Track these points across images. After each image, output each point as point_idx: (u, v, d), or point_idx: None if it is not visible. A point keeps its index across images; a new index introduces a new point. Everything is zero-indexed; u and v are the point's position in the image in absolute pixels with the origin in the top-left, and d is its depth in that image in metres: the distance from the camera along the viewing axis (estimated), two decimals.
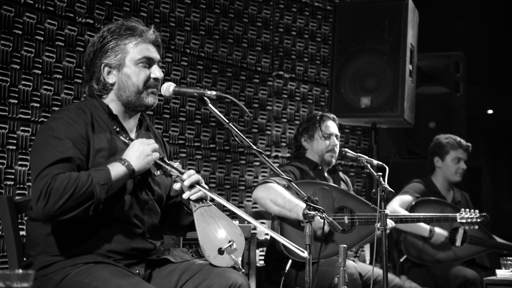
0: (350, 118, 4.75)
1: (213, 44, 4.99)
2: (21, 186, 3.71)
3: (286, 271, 3.68)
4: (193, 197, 2.46)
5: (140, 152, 2.36)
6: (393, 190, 3.15)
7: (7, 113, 3.68)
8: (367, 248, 4.88)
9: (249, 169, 5.21)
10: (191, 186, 2.46)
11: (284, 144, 5.46)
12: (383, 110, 4.56)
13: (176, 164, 2.52)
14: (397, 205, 4.55)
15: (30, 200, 2.30)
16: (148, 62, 2.53)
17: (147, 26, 2.60)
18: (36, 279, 2.31)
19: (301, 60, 5.62)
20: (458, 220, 4.28)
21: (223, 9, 5.08)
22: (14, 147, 3.70)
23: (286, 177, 2.47)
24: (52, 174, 2.25)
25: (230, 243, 2.42)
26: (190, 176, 2.47)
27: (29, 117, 3.79)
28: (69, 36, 4.04)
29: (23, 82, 3.77)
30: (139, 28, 2.54)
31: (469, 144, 4.85)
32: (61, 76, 3.98)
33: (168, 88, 2.51)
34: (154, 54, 2.56)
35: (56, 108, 3.90)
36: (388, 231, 3.26)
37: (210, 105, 2.46)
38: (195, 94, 2.46)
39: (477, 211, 4.30)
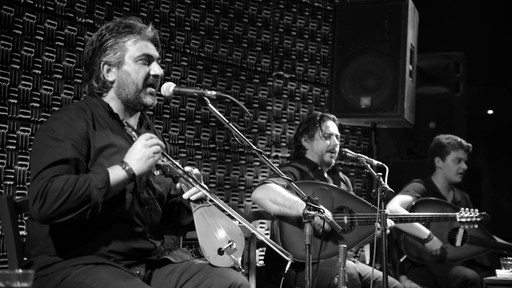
0: (350, 118, 4.75)
1: (213, 44, 4.99)
2: (21, 186, 3.71)
3: (285, 271, 3.67)
4: (193, 198, 2.46)
5: (142, 154, 2.32)
6: (393, 190, 3.15)
7: (7, 113, 3.68)
8: (367, 248, 4.88)
9: (249, 169, 5.21)
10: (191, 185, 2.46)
11: (284, 144, 5.46)
12: (383, 110, 4.56)
13: (177, 163, 2.51)
14: (397, 205, 4.55)
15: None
16: (148, 59, 2.53)
17: (146, 24, 2.59)
18: (36, 279, 2.31)
19: (301, 60, 5.62)
20: (458, 220, 4.28)
21: (223, 9, 5.08)
22: (14, 147, 3.70)
23: (286, 177, 2.47)
24: (49, 176, 2.24)
25: (230, 243, 2.41)
26: (196, 193, 2.46)
27: (29, 117, 3.79)
28: (69, 36, 4.04)
29: (23, 82, 3.77)
30: (138, 26, 2.54)
31: (469, 144, 4.85)
32: (61, 76, 3.98)
33: (168, 88, 2.51)
34: (153, 51, 2.56)
35: (56, 108, 3.90)
36: (388, 231, 3.26)
37: (210, 105, 2.45)
38: (195, 94, 2.46)
39: (476, 210, 4.30)
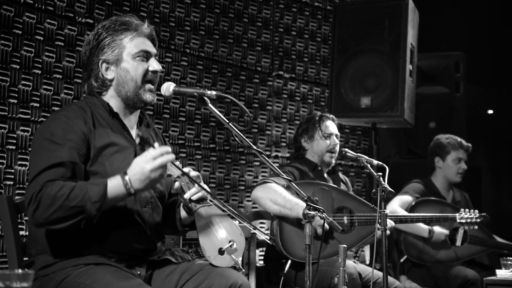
0: (350, 118, 4.75)
1: (213, 44, 4.99)
2: (21, 186, 3.71)
3: (285, 271, 3.68)
4: (193, 198, 2.46)
5: (146, 177, 2.21)
6: (393, 190, 3.14)
7: (7, 113, 3.68)
8: (367, 248, 4.88)
9: (249, 169, 5.21)
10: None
11: (284, 144, 5.46)
12: (383, 110, 4.56)
13: (177, 163, 2.51)
14: (397, 205, 4.54)
15: None
16: (146, 55, 2.53)
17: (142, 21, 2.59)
18: (37, 278, 2.31)
19: (301, 60, 5.62)
20: (458, 220, 4.28)
21: (223, 9, 5.08)
22: (14, 147, 3.70)
23: (286, 177, 2.47)
24: (45, 180, 2.22)
25: (231, 243, 2.41)
26: (197, 193, 2.45)
27: (29, 117, 3.78)
28: (69, 36, 4.04)
29: (23, 82, 3.76)
30: (134, 23, 2.53)
31: (469, 144, 4.85)
32: (61, 76, 3.97)
33: (168, 88, 2.50)
34: (151, 47, 2.55)
35: (56, 108, 3.90)
36: (388, 231, 3.26)
37: (210, 105, 2.45)
38: (195, 94, 2.46)
39: (476, 211, 4.30)
